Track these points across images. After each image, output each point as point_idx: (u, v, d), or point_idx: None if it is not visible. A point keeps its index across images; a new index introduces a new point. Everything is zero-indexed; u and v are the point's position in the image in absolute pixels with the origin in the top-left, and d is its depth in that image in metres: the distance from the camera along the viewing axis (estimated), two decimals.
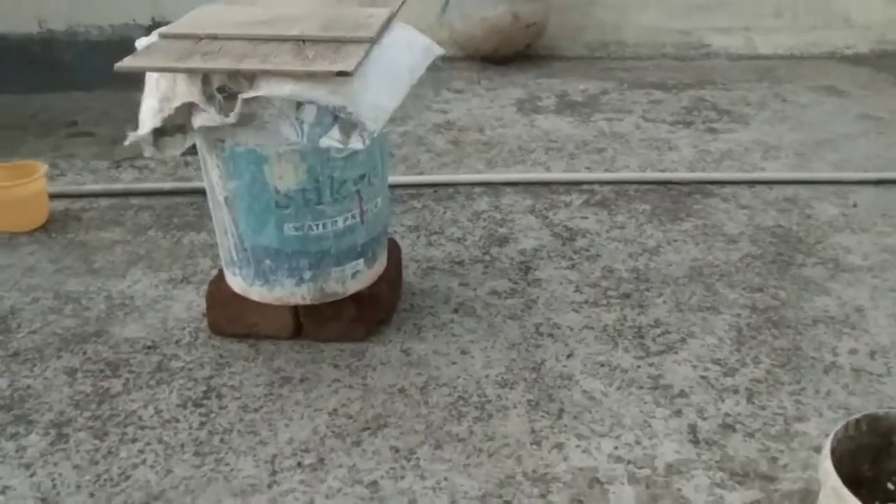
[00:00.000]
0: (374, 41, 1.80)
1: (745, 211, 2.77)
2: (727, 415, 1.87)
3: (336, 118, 1.72)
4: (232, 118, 1.65)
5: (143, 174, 3.10)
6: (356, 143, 1.70)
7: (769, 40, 4.43)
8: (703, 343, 2.11)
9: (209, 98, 1.68)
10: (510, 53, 4.16)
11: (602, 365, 2.04)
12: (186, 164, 3.13)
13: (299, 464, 1.75)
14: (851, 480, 1.24)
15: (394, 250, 2.29)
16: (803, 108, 3.67)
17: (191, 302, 2.30)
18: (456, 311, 2.25)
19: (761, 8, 4.47)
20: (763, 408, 1.89)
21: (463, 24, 4.05)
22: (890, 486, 1.37)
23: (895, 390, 1.93)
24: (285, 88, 1.61)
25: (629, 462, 1.74)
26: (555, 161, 3.16)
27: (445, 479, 1.70)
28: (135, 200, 2.90)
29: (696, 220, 2.71)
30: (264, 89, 1.63)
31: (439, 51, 2.00)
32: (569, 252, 2.53)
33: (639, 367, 2.03)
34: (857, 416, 1.37)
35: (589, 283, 2.37)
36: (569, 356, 2.07)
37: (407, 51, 1.89)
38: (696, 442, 1.80)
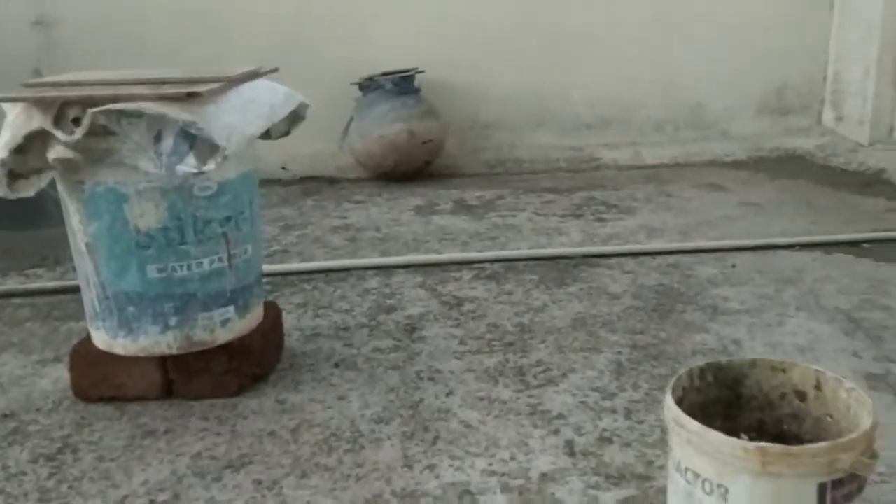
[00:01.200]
0: (231, 80, 1.88)
1: (630, 275, 2.84)
2: (605, 430, 1.84)
3: (192, 147, 1.76)
4: (78, 133, 1.67)
5: (29, 279, 3.03)
6: (210, 166, 1.72)
7: (654, 152, 4.71)
8: (583, 376, 2.10)
9: (61, 126, 1.70)
10: (410, 170, 4.32)
11: (481, 399, 2.00)
12: (75, 269, 3.08)
13: (152, 501, 1.62)
14: None
15: (271, 308, 2.26)
16: (687, 200, 3.86)
17: (59, 377, 2.20)
18: (337, 365, 2.20)
19: (645, 125, 4.80)
20: (641, 422, 1.86)
21: (362, 142, 4.22)
22: (744, 437, 1.34)
23: None
24: (134, 105, 1.65)
25: (503, 475, 1.68)
26: (448, 248, 3.21)
27: (308, 502, 1.60)
28: (16, 300, 2.82)
29: (581, 284, 2.76)
30: (114, 106, 1.66)
31: (302, 98, 2.08)
32: (455, 314, 2.53)
33: (518, 398, 2.00)
34: (701, 364, 1.37)
35: (473, 337, 2.36)
36: (448, 394, 2.03)
37: (268, 92, 1.97)
38: (572, 454, 1.74)
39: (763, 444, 1.12)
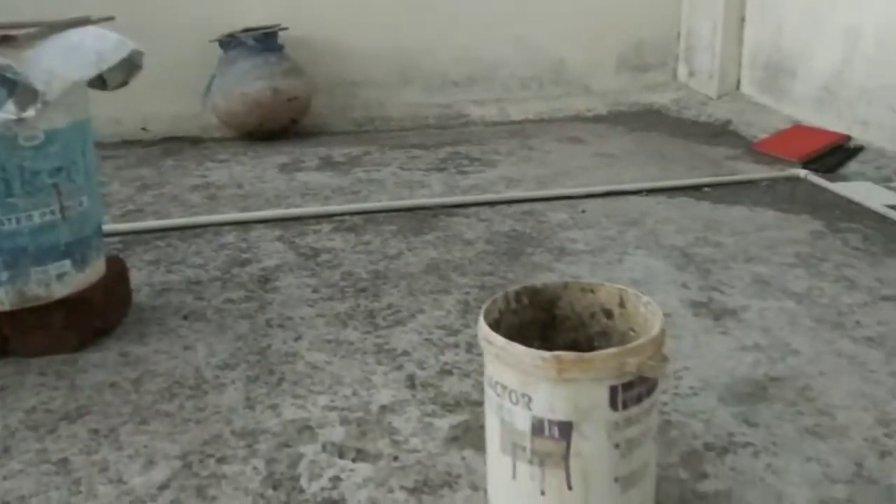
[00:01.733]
0: (52, 25, 1.81)
1: (485, 223, 2.92)
2: (446, 363, 1.91)
3: (11, 94, 1.69)
4: None
5: None
6: (30, 113, 1.67)
7: (520, 108, 4.82)
8: (430, 316, 2.16)
9: None
10: (276, 129, 4.26)
11: (329, 342, 2.03)
12: None
13: None
14: None
15: (116, 262, 2.21)
16: (547, 153, 3.98)
17: None
18: (185, 318, 2.19)
19: (510, 82, 4.90)
20: (481, 354, 1.93)
21: (224, 101, 4.13)
22: None
23: None
24: None
25: (344, 409, 1.72)
26: (310, 204, 3.21)
27: (145, 446, 1.60)
28: None
29: (438, 232, 2.82)
30: None
31: (134, 45, 2.02)
32: (311, 265, 2.55)
33: (366, 339, 2.04)
34: (517, 288, 1.45)
35: (327, 286, 2.38)
36: (297, 339, 2.05)
37: (96, 38, 1.91)
38: (412, 387, 1.81)
39: (558, 352, 1.20)
